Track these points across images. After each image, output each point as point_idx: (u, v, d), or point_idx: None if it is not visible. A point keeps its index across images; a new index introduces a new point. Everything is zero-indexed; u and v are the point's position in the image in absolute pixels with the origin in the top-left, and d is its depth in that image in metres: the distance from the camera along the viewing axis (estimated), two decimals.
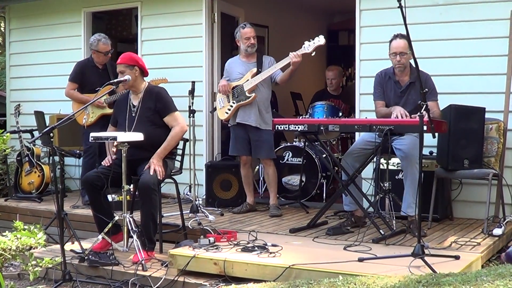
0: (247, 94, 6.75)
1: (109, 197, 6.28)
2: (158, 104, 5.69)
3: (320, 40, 6.43)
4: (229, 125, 7.06)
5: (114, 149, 5.70)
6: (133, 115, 5.74)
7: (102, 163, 5.73)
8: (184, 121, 5.77)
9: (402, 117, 5.60)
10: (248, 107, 6.81)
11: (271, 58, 6.88)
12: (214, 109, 7.34)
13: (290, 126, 5.91)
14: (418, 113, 4.81)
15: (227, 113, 6.93)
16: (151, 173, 5.35)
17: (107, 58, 7.56)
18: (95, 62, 7.56)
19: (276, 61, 6.75)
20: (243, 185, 7.12)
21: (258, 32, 7.08)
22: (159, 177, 5.37)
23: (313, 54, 6.45)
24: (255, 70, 6.76)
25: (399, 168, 6.24)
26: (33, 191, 8.01)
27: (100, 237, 5.56)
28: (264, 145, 6.84)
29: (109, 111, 7.37)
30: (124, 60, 5.74)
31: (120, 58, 5.80)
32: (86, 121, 7.29)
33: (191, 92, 6.85)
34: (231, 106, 6.86)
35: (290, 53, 6.49)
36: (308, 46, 6.43)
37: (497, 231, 5.65)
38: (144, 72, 5.81)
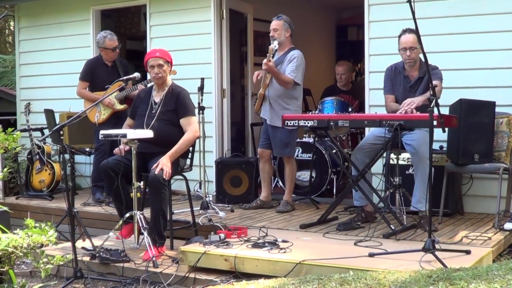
0: (260, 91, 6.78)
1: None
2: (177, 104, 5.76)
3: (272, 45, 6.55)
4: None
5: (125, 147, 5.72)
6: (153, 112, 5.80)
7: (114, 151, 5.76)
8: (197, 127, 5.84)
9: (408, 109, 5.59)
10: (265, 103, 6.83)
11: (294, 53, 6.70)
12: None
13: (300, 121, 5.92)
14: (428, 108, 4.80)
15: (255, 104, 7.00)
16: (156, 172, 5.37)
17: (116, 54, 7.57)
18: (104, 60, 7.58)
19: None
20: (260, 179, 7.11)
21: (266, 28, 7.06)
22: (164, 177, 5.39)
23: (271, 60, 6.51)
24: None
25: (409, 163, 6.24)
26: (44, 189, 8.03)
27: (111, 234, 5.59)
28: (276, 143, 6.81)
29: (120, 107, 7.39)
30: (164, 55, 5.85)
31: (159, 52, 5.90)
32: (98, 119, 7.32)
33: (201, 89, 6.86)
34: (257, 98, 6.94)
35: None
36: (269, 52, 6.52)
37: (508, 226, 5.63)
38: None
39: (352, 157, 6.10)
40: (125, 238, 5.69)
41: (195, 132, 5.75)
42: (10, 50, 16.46)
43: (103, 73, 7.50)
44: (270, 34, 6.75)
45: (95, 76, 7.53)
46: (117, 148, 5.75)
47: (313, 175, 7.45)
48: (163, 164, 5.43)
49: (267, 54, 6.51)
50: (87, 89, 7.55)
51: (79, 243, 5.75)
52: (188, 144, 5.74)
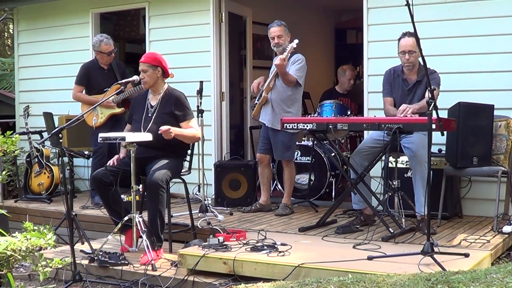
0: (263, 94, 6.78)
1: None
2: (176, 109, 5.73)
3: (293, 43, 6.57)
4: None
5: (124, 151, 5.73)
6: (150, 115, 5.78)
7: (108, 162, 5.75)
8: (199, 129, 5.90)
9: (404, 113, 5.62)
10: (266, 107, 6.82)
11: (299, 56, 6.76)
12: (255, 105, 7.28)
13: (299, 124, 5.93)
14: (427, 111, 4.80)
15: (253, 109, 7.02)
16: (160, 131, 5.44)
17: (111, 58, 7.53)
18: (100, 63, 7.55)
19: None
20: (260, 184, 7.11)
21: (265, 31, 7.06)
22: (165, 135, 5.45)
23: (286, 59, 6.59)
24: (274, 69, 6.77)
25: (407, 166, 6.24)
26: (43, 192, 8.03)
27: (110, 237, 5.58)
28: (278, 146, 6.80)
29: (118, 110, 7.38)
30: (148, 60, 5.77)
31: (144, 56, 5.85)
32: (96, 122, 7.31)
33: (199, 92, 6.86)
34: (256, 103, 6.92)
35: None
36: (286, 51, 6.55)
37: (507, 229, 5.63)
38: (165, 74, 5.85)
39: (351, 160, 6.10)
40: (130, 247, 5.66)
41: (199, 132, 5.85)
42: (9, 53, 16.45)
43: (99, 77, 7.48)
44: (276, 41, 6.70)
45: (91, 79, 7.50)
46: (112, 158, 5.77)
47: (312, 178, 7.45)
48: (169, 127, 5.48)
49: (286, 50, 6.55)
50: (83, 92, 7.52)
51: (78, 246, 5.75)
52: (191, 137, 5.76)
